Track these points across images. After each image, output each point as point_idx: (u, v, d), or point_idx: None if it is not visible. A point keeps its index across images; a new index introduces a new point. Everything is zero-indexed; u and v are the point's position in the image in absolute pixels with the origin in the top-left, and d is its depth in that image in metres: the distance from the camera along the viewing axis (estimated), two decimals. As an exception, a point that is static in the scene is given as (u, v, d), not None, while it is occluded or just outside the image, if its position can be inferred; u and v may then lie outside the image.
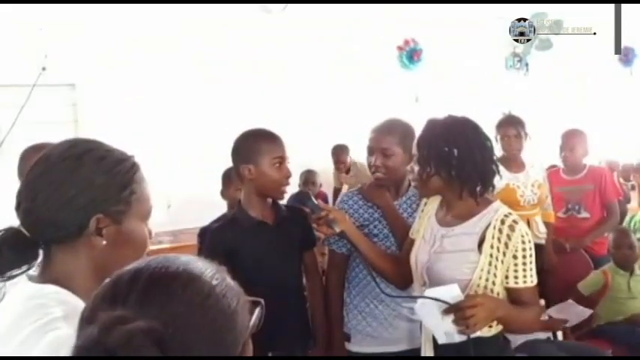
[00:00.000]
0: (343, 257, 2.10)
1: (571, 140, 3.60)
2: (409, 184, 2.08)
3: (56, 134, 0.99)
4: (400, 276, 1.77)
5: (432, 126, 1.64)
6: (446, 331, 1.48)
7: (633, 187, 5.23)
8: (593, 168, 3.68)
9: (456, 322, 1.43)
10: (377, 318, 2.04)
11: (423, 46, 5.84)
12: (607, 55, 5.88)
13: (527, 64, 6.29)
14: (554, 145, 3.70)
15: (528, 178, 3.31)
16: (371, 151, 2.02)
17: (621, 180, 5.53)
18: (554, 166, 3.97)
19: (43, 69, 3.88)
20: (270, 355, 1.92)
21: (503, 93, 5.68)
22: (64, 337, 0.79)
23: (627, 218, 4.20)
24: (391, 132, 2.00)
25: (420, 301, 1.50)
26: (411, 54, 5.82)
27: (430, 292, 1.46)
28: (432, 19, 5.54)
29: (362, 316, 2.06)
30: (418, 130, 2.02)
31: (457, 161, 1.56)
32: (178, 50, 4.61)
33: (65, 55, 4.13)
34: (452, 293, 1.44)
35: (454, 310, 1.42)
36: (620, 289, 3.21)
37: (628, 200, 5.09)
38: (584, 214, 3.59)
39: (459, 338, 1.47)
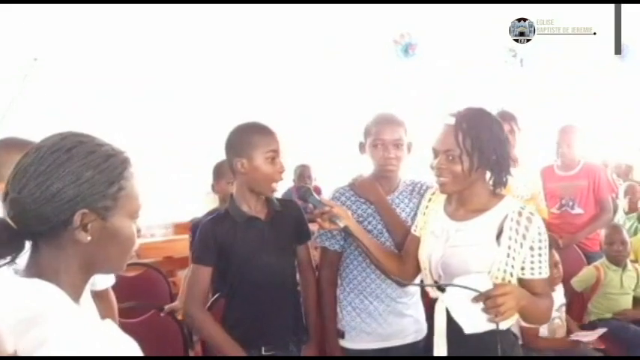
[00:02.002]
0: (336, 254, 2.09)
1: (568, 136, 3.61)
2: (400, 179, 2.08)
3: (49, 130, 0.97)
4: (403, 273, 1.76)
5: (469, 118, 1.58)
6: (473, 320, 1.47)
7: None
8: (587, 164, 3.68)
9: (485, 310, 1.42)
10: (371, 314, 2.04)
11: (418, 41, 5.84)
12: (602, 53, 5.88)
13: (521, 60, 6.31)
14: (544, 143, 3.71)
15: (521, 173, 3.32)
16: (383, 143, 1.97)
17: (615, 176, 5.55)
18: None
19: (35, 60, 3.85)
20: (263, 350, 1.91)
21: (498, 90, 5.68)
22: (46, 334, 0.78)
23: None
24: (399, 123, 2.01)
25: (448, 289, 1.50)
26: (406, 47, 5.82)
27: (459, 280, 1.46)
28: (427, 15, 5.53)
29: (356, 313, 2.05)
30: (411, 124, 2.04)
31: (498, 152, 1.56)
32: (173, 47, 4.59)
33: (57, 50, 4.10)
34: (481, 282, 1.44)
35: (484, 298, 1.42)
36: (612, 285, 3.24)
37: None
38: (578, 210, 3.61)
39: (485, 327, 1.47)
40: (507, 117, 3.31)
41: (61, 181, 0.88)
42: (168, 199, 4.37)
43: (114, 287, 1.88)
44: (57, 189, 0.88)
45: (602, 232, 3.41)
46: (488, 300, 1.41)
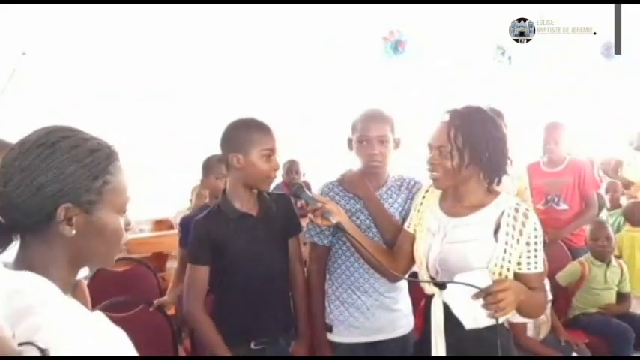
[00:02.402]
0: (325, 249, 2.11)
1: (556, 133, 3.63)
2: (388, 174, 2.10)
3: (40, 124, 0.98)
4: (394, 268, 1.78)
5: (462, 116, 1.61)
6: (473, 315, 1.49)
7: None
8: (573, 161, 3.71)
9: (485, 306, 1.45)
10: (359, 308, 2.06)
11: (408, 38, 5.86)
12: (595, 52, 5.93)
13: (509, 57, 6.36)
14: (531, 140, 3.73)
15: (508, 170, 3.34)
16: (368, 139, 1.99)
17: (601, 173, 5.62)
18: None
19: (23, 54, 3.82)
20: (252, 344, 1.92)
21: (489, 88, 5.71)
22: (40, 322, 0.80)
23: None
24: (385, 120, 2.02)
25: (449, 285, 1.52)
26: (395, 45, 5.84)
27: (460, 277, 1.47)
28: (420, 13, 5.56)
29: (344, 307, 2.07)
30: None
31: (491, 150, 1.59)
32: (172, 46, 4.58)
33: (49, 44, 4.08)
34: (481, 278, 1.46)
35: (484, 294, 1.44)
36: (596, 280, 3.28)
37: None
38: (563, 207, 3.64)
39: (485, 322, 1.50)
40: (494, 114, 3.34)
41: (44, 175, 0.89)
42: (157, 194, 4.36)
43: (104, 281, 1.89)
44: (40, 183, 0.88)
45: (587, 228, 3.45)
46: (488, 296, 1.43)
